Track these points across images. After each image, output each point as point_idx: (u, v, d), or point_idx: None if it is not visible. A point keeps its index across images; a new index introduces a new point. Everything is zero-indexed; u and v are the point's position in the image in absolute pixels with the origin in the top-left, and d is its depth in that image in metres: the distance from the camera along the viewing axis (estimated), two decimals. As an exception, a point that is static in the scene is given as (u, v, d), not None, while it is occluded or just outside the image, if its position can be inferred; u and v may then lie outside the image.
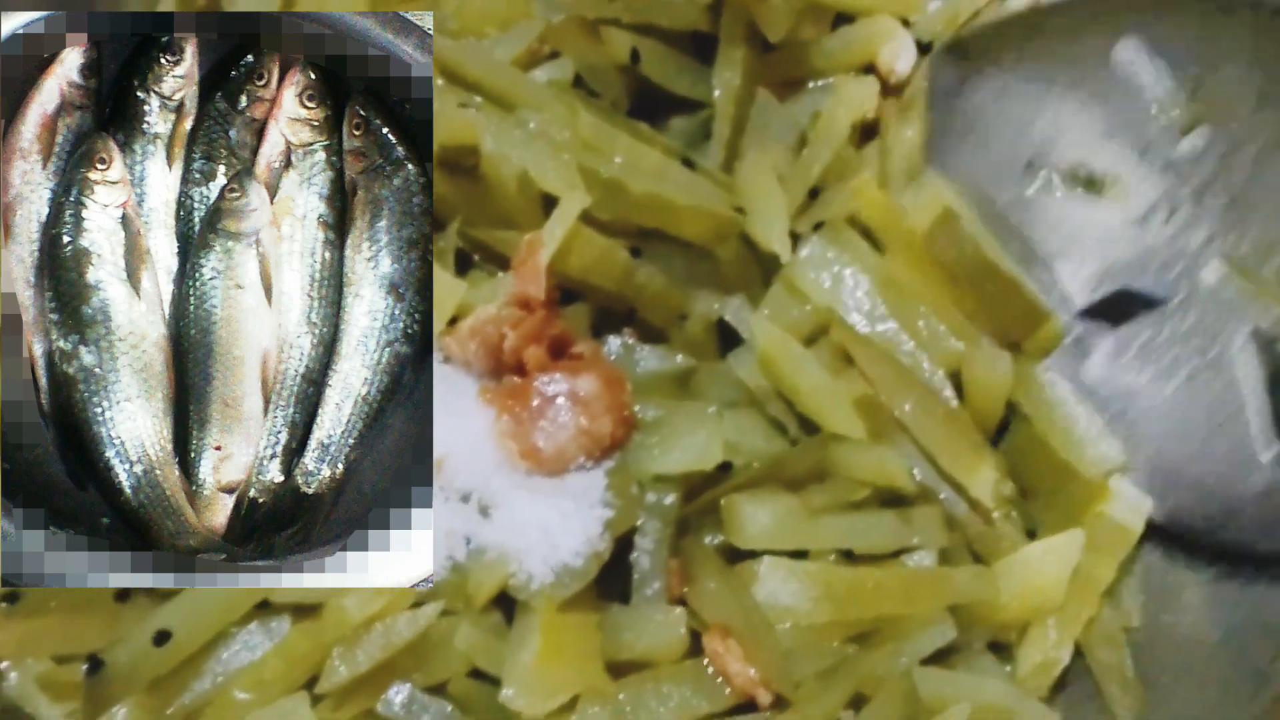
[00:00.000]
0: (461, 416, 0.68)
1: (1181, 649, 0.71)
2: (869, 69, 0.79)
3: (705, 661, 0.67)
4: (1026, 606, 0.70)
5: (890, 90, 0.79)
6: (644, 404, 0.69)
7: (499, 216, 0.72)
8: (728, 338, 0.74)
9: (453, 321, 0.69)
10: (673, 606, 0.67)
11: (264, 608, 0.66)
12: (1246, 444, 0.69)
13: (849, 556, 0.69)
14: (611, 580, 0.68)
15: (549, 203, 0.71)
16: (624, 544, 0.68)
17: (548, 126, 0.72)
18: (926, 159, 0.75)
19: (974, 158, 0.75)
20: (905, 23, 0.79)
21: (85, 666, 0.65)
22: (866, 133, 0.79)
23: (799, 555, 0.68)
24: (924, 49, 0.79)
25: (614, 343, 0.73)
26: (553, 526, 0.66)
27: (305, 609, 0.66)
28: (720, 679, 0.66)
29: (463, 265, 0.73)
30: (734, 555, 0.69)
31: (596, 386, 0.68)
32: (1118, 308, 0.72)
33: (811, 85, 0.80)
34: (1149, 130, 0.71)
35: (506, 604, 0.67)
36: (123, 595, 0.67)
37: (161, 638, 0.64)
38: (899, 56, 0.79)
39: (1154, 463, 0.71)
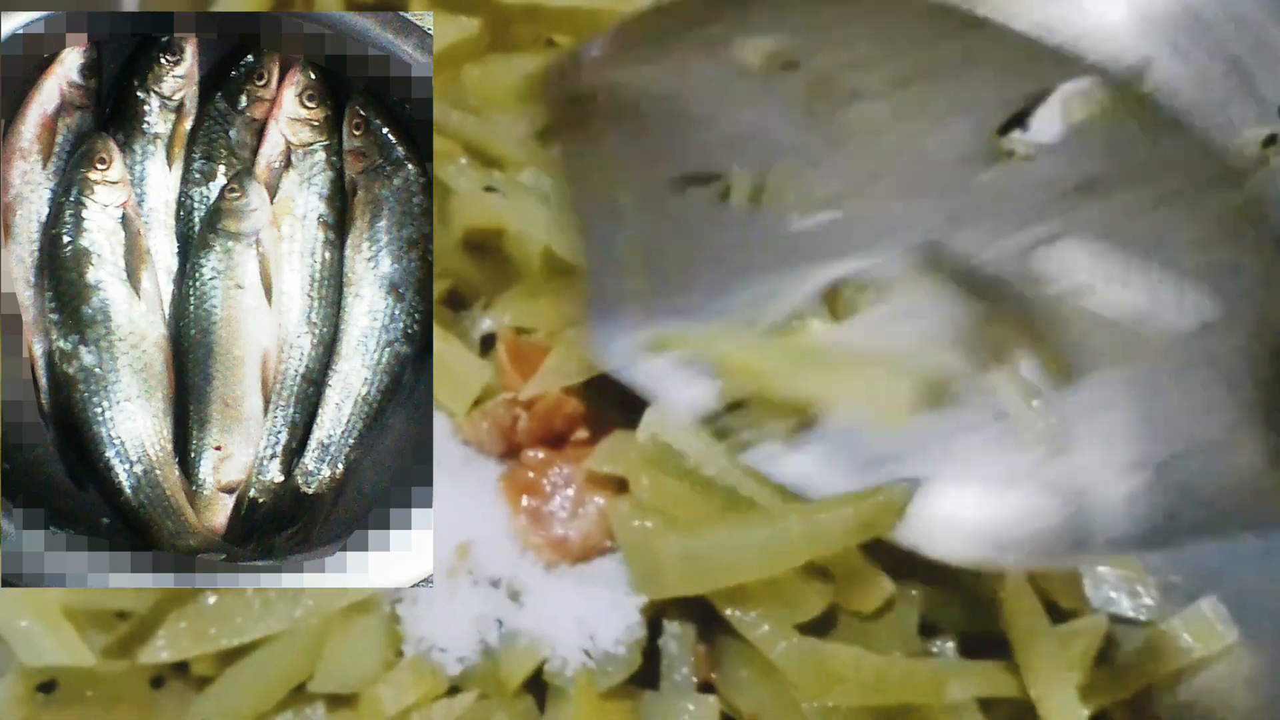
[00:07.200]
0: (484, 503, 0.69)
1: None
2: None
3: None
4: (1051, 692, 0.67)
5: None
6: None
7: (525, 293, 0.74)
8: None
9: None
10: (705, 695, 0.67)
11: (299, 693, 0.65)
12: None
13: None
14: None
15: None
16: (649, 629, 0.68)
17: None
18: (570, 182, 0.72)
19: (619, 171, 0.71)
20: None
21: None
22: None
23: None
24: None
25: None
26: (586, 614, 0.66)
27: (340, 699, 0.65)
28: None
29: (486, 346, 0.73)
30: None
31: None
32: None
33: None
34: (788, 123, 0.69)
35: (537, 689, 0.66)
36: (157, 682, 0.66)
37: None
38: None
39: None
